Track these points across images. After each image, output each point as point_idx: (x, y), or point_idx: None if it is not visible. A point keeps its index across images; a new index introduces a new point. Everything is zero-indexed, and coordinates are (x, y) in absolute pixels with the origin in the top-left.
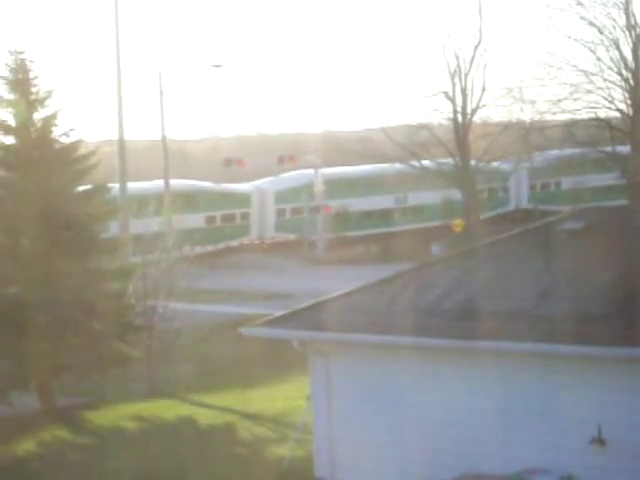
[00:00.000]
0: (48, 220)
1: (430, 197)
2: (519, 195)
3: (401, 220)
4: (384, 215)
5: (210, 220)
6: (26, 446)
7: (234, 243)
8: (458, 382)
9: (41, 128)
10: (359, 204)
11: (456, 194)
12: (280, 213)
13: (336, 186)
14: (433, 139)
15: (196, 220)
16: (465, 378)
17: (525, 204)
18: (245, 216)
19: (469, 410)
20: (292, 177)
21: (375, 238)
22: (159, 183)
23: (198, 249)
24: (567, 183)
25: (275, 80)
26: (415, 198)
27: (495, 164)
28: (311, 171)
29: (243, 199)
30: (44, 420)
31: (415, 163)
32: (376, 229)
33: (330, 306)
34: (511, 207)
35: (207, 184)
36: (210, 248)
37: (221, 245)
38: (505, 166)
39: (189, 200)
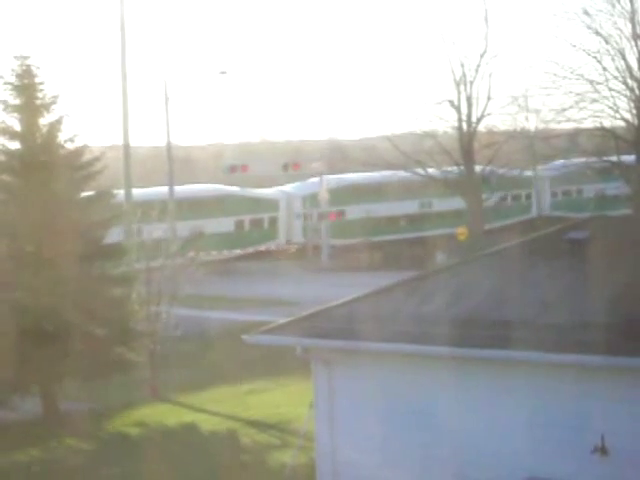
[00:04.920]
0: (52, 226)
1: None
2: None
3: None
4: None
5: (505, 198)
6: (29, 451)
7: (511, 221)
8: (460, 390)
9: (46, 133)
10: None
11: None
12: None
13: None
14: (438, 147)
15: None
16: (468, 386)
17: None
18: (528, 196)
19: (471, 419)
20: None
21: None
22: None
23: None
24: None
25: (280, 87)
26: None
27: None
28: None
29: (526, 183)
30: (47, 425)
31: (420, 171)
32: None
33: (333, 313)
34: None
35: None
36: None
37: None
38: None
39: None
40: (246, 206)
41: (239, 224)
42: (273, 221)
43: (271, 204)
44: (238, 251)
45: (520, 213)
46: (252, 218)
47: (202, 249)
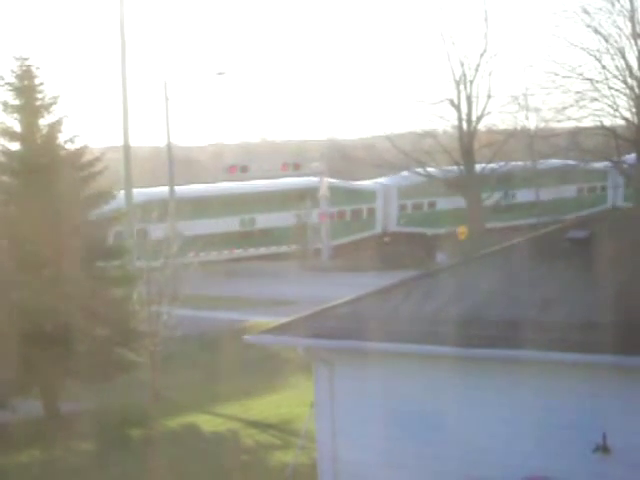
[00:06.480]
0: (52, 226)
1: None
2: None
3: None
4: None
5: (583, 190)
6: (30, 452)
7: (587, 212)
8: (462, 390)
9: (46, 134)
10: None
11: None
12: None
13: None
14: (438, 147)
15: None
16: (469, 386)
17: None
18: (603, 188)
19: (472, 418)
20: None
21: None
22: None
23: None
24: None
25: (280, 87)
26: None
27: None
28: None
29: (600, 176)
30: (48, 426)
31: (420, 170)
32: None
33: (334, 313)
34: None
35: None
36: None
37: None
38: None
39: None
40: (347, 197)
41: (341, 214)
42: (371, 212)
43: (369, 195)
44: (342, 241)
45: (595, 204)
46: (353, 209)
47: (308, 238)
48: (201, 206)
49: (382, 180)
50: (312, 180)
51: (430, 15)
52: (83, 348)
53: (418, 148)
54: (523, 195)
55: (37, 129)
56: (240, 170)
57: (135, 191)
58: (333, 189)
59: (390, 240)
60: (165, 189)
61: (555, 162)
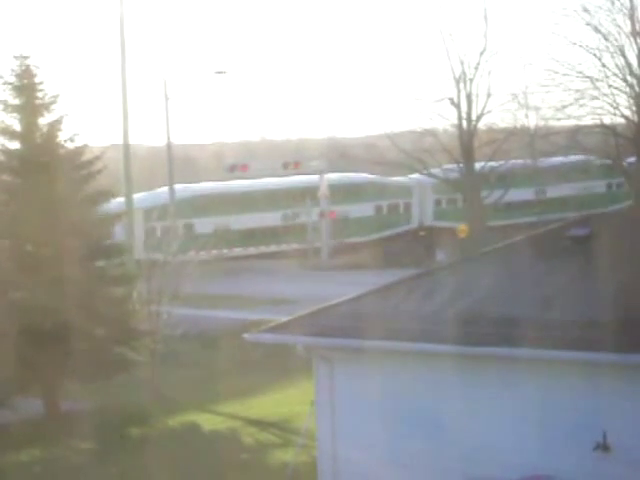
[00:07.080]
0: (52, 225)
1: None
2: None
3: None
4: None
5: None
6: (30, 451)
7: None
8: (462, 387)
9: (46, 133)
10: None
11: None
12: None
13: None
14: (438, 145)
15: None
16: (469, 384)
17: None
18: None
19: (472, 416)
20: None
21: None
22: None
23: None
24: None
25: (280, 86)
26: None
27: None
28: None
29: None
30: (48, 425)
31: (421, 169)
32: None
33: (334, 312)
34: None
35: None
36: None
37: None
38: None
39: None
40: (384, 192)
41: (378, 209)
42: (407, 206)
43: (406, 190)
44: (377, 235)
45: (622, 200)
46: (389, 203)
47: (344, 234)
48: (252, 200)
49: (416, 175)
50: (352, 176)
51: (430, 13)
52: (83, 347)
53: (418, 147)
54: (552, 191)
55: (37, 128)
56: (240, 169)
57: (178, 187)
58: (371, 184)
59: (426, 234)
60: (208, 185)
61: (582, 158)
